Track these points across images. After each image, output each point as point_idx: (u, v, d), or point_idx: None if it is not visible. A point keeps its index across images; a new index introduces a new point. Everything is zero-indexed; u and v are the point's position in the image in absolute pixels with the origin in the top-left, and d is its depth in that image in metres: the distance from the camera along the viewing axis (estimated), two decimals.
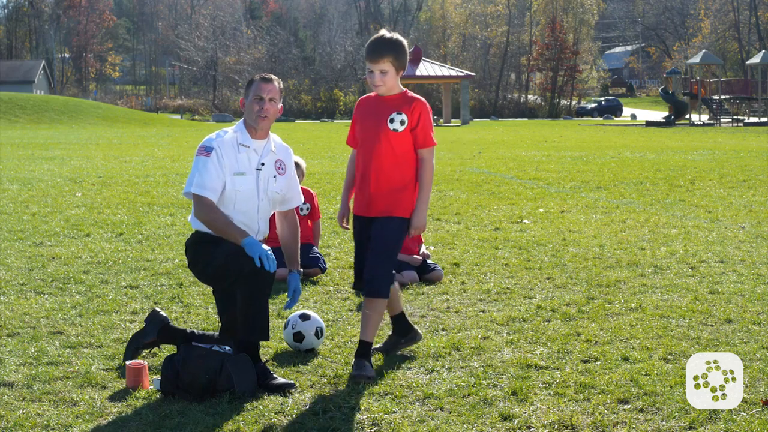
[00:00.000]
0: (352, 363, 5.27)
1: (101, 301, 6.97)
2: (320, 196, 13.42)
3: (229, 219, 5.08)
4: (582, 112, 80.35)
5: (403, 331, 5.71)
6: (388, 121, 5.30)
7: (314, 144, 30.57)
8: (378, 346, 5.72)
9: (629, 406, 4.65)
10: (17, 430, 4.36)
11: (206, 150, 5.16)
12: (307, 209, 8.43)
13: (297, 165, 8.31)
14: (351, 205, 5.55)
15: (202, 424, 4.42)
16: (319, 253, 8.22)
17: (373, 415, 4.54)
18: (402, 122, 5.29)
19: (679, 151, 25.41)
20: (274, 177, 5.34)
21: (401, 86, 5.40)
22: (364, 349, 5.28)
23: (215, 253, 5.09)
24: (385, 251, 5.30)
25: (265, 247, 4.96)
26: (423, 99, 5.41)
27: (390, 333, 5.78)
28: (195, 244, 5.27)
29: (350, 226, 5.57)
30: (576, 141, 32.36)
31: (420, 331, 5.85)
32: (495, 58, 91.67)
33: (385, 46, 5.28)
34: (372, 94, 5.42)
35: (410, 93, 5.39)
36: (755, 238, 9.92)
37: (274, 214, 5.56)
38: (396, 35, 5.35)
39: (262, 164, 5.29)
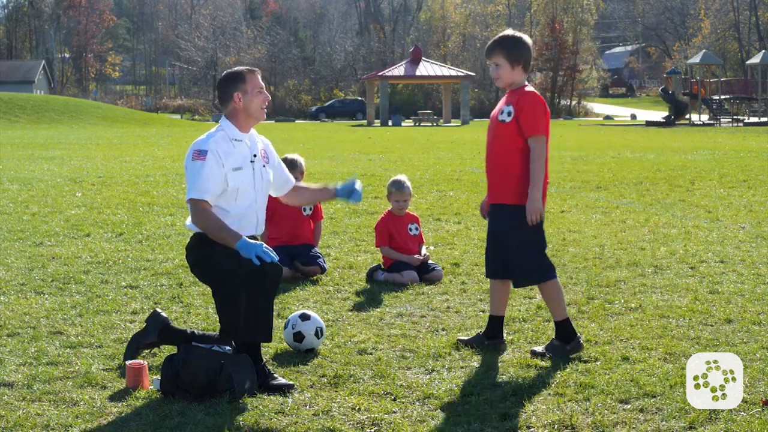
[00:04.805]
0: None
1: (101, 301, 6.97)
2: None
3: (222, 223, 5.08)
4: (314, 114, 73.47)
5: (493, 334, 5.78)
6: None
7: (314, 144, 30.57)
8: (465, 338, 5.86)
9: (629, 406, 4.65)
10: (17, 430, 4.36)
11: (201, 154, 5.14)
12: (310, 209, 8.44)
13: (295, 162, 8.33)
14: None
15: (202, 424, 4.42)
16: (319, 254, 8.23)
17: (373, 415, 4.54)
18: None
19: (679, 151, 25.41)
20: (264, 167, 5.39)
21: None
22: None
23: (220, 255, 5.09)
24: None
25: (258, 242, 4.98)
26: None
27: (481, 332, 5.86)
28: (198, 246, 5.26)
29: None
30: (576, 141, 32.36)
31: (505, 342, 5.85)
32: None
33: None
34: None
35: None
36: (755, 238, 9.92)
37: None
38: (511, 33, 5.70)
39: (254, 156, 5.33)
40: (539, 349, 5.62)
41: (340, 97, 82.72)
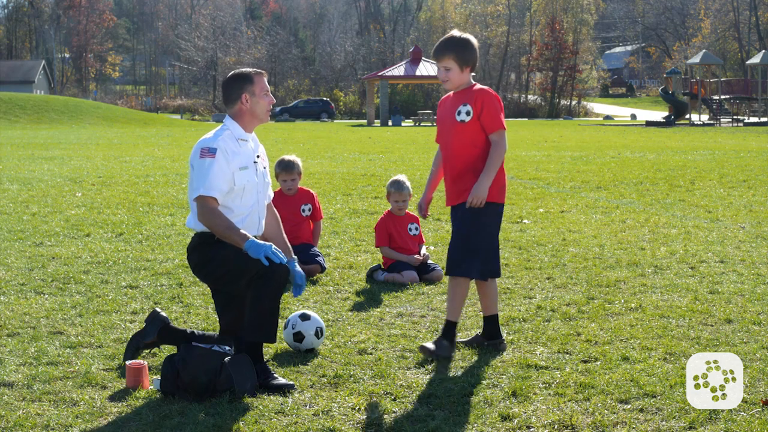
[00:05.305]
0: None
1: (101, 301, 6.97)
2: (320, 196, 13.41)
3: (230, 222, 5.07)
4: (277, 114, 70.23)
5: (492, 334, 5.80)
6: None
7: (314, 144, 30.57)
8: (464, 339, 5.87)
9: (629, 406, 4.65)
10: (17, 430, 4.36)
11: (210, 151, 5.14)
12: (309, 210, 8.44)
13: (293, 163, 8.33)
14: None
15: (202, 424, 4.42)
16: (319, 253, 8.23)
17: (373, 415, 4.55)
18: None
19: (679, 151, 25.41)
20: (264, 168, 5.40)
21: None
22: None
23: (224, 255, 5.08)
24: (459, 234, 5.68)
25: (267, 243, 4.98)
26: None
27: (479, 332, 5.89)
28: (200, 246, 5.25)
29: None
30: (576, 141, 32.36)
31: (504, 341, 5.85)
32: (495, 58, 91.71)
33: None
34: None
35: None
36: (755, 238, 9.92)
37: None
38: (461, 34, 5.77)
39: (258, 156, 5.35)
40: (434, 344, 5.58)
41: (339, 97, 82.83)
